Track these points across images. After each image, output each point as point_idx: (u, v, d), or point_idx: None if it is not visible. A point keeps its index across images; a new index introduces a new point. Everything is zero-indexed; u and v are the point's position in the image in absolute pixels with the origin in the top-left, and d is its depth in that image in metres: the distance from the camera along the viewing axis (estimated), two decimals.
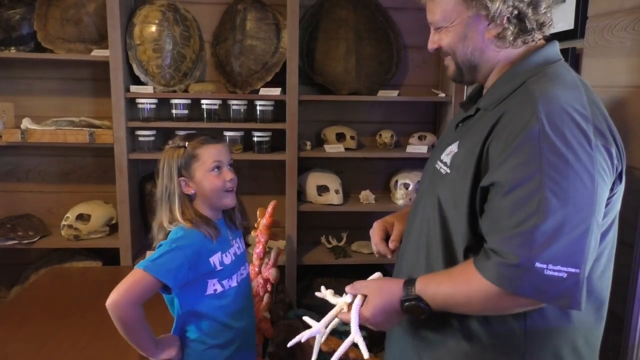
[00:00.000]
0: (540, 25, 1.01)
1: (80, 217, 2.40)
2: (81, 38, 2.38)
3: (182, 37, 2.39)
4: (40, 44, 2.36)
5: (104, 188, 2.58)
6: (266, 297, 1.84)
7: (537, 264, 0.85)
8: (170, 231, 1.38)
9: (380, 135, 2.55)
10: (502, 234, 0.89)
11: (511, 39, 0.99)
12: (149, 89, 2.34)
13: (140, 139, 2.38)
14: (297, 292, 2.51)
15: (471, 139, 1.01)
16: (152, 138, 2.39)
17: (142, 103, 2.34)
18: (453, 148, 1.07)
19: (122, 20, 2.28)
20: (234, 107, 2.38)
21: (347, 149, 2.46)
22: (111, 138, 2.30)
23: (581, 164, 0.86)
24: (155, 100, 2.36)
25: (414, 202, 1.22)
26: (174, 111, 2.37)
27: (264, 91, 2.36)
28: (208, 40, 2.53)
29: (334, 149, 2.43)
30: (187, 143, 1.43)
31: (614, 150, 0.91)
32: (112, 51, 2.25)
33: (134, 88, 2.33)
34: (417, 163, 2.64)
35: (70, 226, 2.37)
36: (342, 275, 2.58)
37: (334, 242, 2.63)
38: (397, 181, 2.54)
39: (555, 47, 1.04)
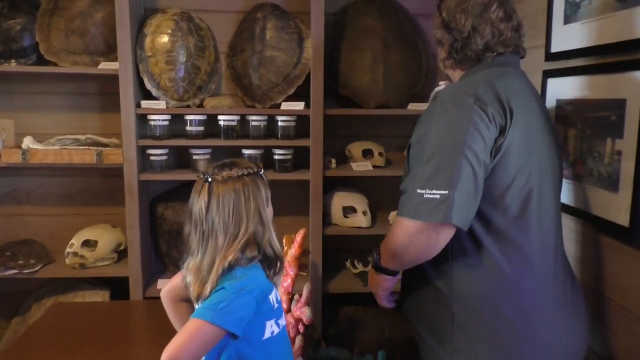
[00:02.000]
0: (474, 58, 1.31)
1: (86, 243, 2.21)
2: (87, 50, 2.21)
3: (196, 48, 2.22)
4: (43, 56, 2.18)
5: (112, 210, 2.39)
6: (298, 340, 1.65)
7: (418, 190, 1.14)
8: (225, 270, 1.23)
9: None
10: (407, 177, 1.25)
11: (449, 62, 1.37)
12: (161, 104, 2.16)
13: (152, 158, 2.19)
14: (322, 322, 2.31)
15: (422, 120, 1.33)
16: (164, 157, 2.21)
17: (153, 119, 2.16)
18: None
19: (132, 30, 2.10)
20: (253, 122, 2.20)
21: (375, 167, 2.27)
22: (120, 157, 2.12)
23: (451, 115, 1.17)
24: (167, 117, 2.18)
25: None
26: (188, 128, 2.19)
27: (285, 105, 2.18)
28: (224, 51, 2.35)
29: (361, 167, 2.24)
30: (262, 170, 1.36)
31: (491, 111, 1.16)
32: (122, 64, 2.08)
33: (145, 103, 2.15)
34: None
35: (75, 253, 2.18)
36: (370, 303, 2.37)
37: (361, 267, 2.43)
38: None
39: (497, 59, 1.31)
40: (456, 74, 1.37)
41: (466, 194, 1.13)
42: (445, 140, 1.15)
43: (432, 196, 1.12)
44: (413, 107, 2.24)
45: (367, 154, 2.33)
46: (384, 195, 2.48)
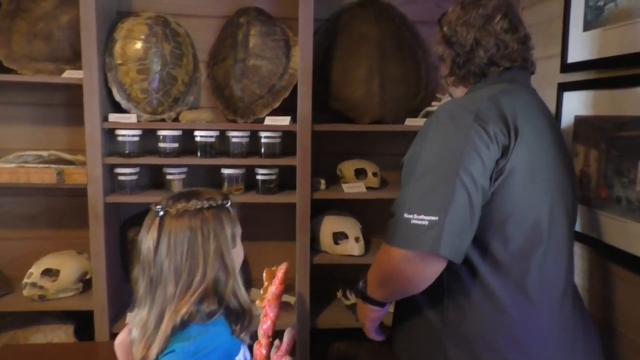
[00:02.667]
0: (478, 73, 1.21)
1: (47, 273, 1.98)
2: (52, 56, 1.99)
3: (172, 55, 2.00)
4: (2, 63, 1.96)
5: (79, 234, 2.14)
6: None
7: (405, 215, 1.02)
8: (177, 328, 1.01)
9: None
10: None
11: (452, 79, 1.27)
12: (131, 118, 1.94)
13: (121, 177, 1.96)
14: None
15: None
16: (134, 177, 1.98)
17: (123, 135, 1.93)
18: None
19: (99, 35, 1.89)
20: (234, 139, 1.97)
21: (368, 188, 2.05)
22: (84, 177, 1.89)
23: (447, 133, 1.06)
24: (139, 132, 1.96)
25: None
26: (161, 144, 1.96)
27: (270, 120, 1.96)
28: (203, 60, 2.14)
29: (353, 188, 2.02)
30: (229, 202, 1.15)
31: (493, 129, 1.04)
32: (87, 72, 1.86)
33: (113, 117, 1.93)
34: None
35: (34, 284, 1.94)
36: (364, 338, 2.14)
37: (353, 299, 2.20)
38: None
39: (504, 75, 1.20)
40: (458, 91, 1.28)
41: (459, 221, 1.00)
42: (439, 160, 1.04)
43: (420, 222, 1.00)
44: (411, 122, 2.02)
45: (360, 173, 2.11)
46: (378, 219, 2.25)
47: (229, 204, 1.14)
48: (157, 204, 1.10)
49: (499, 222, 1.07)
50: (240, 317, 1.09)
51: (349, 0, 2.15)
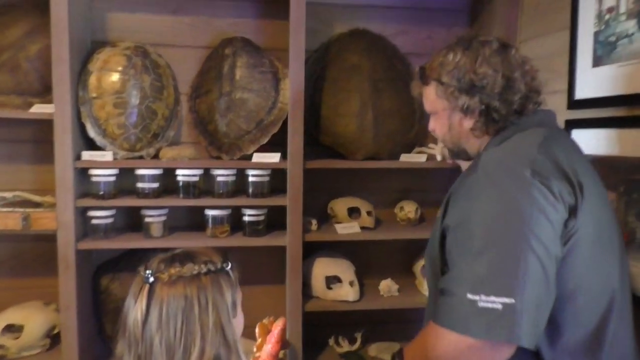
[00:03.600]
0: (519, 111, 1.07)
1: (9, 329, 1.78)
2: (18, 89, 1.83)
3: (153, 88, 1.87)
4: None
5: (46, 282, 1.94)
6: None
7: (469, 296, 0.86)
8: None
9: (402, 208, 2.04)
10: (447, 272, 0.95)
11: (483, 129, 1.10)
12: (107, 156, 1.79)
13: (94, 221, 1.79)
14: None
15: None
16: (110, 220, 1.81)
17: (97, 175, 1.77)
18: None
19: (73, 66, 1.74)
20: (219, 177, 1.84)
21: (363, 229, 1.93)
22: (54, 222, 1.72)
23: (505, 192, 0.91)
24: (115, 171, 1.80)
25: None
26: (140, 184, 1.81)
27: (258, 157, 1.83)
28: (185, 93, 2.01)
29: (347, 229, 1.90)
30: (229, 264, 1.01)
31: (557, 186, 0.91)
32: (58, 106, 1.70)
33: (86, 154, 1.77)
34: None
35: None
36: None
37: (346, 346, 2.06)
38: (424, 266, 2.02)
39: (533, 117, 1.08)
40: (478, 142, 1.14)
41: (536, 300, 0.86)
42: (502, 227, 0.89)
43: (490, 305, 0.85)
44: (407, 158, 1.92)
45: (353, 212, 1.99)
46: (372, 261, 2.14)
47: (229, 267, 1.00)
48: (146, 268, 0.95)
49: (568, 293, 0.92)
50: None
51: (339, 30, 2.06)
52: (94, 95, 1.81)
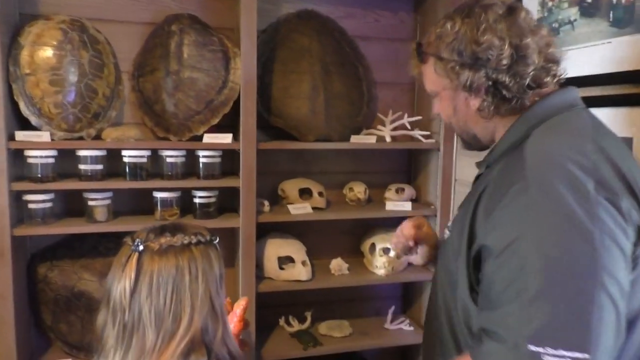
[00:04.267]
0: (534, 86, 0.91)
1: None
2: None
3: (92, 65, 1.76)
4: None
5: None
6: None
7: (531, 347, 0.70)
8: None
9: (352, 189, 2.08)
10: (491, 309, 0.79)
11: (492, 108, 0.94)
12: (44, 136, 1.67)
13: (32, 205, 1.68)
14: None
15: (469, 200, 0.95)
16: (49, 204, 1.70)
17: (33, 156, 1.66)
18: (457, 210, 1.04)
19: (2, 39, 1.60)
20: (168, 159, 1.77)
21: (315, 209, 1.95)
22: None
23: (566, 214, 0.74)
24: (53, 152, 1.69)
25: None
26: (82, 166, 1.71)
27: (209, 138, 1.79)
28: (126, 71, 1.91)
29: (299, 209, 1.91)
30: (217, 238, 1.02)
31: (625, 204, 0.76)
32: None
33: (20, 135, 1.64)
34: (393, 222, 2.19)
35: None
36: None
37: (297, 325, 2.08)
38: (373, 244, 2.08)
39: (568, 94, 0.93)
40: (491, 126, 0.97)
41: (612, 350, 0.72)
42: (566, 261, 0.72)
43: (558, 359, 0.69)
44: (357, 139, 1.96)
45: (304, 193, 2.00)
46: (322, 240, 2.17)
47: (217, 241, 0.99)
48: (133, 238, 0.93)
49: (628, 325, 0.77)
50: None
51: (286, 11, 2.05)
52: (27, 71, 1.68)
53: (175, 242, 0.93)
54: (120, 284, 0.91)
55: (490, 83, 0.90)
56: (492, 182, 0.87)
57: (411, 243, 1.28)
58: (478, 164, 1.05)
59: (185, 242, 0.94)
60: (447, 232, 1.03)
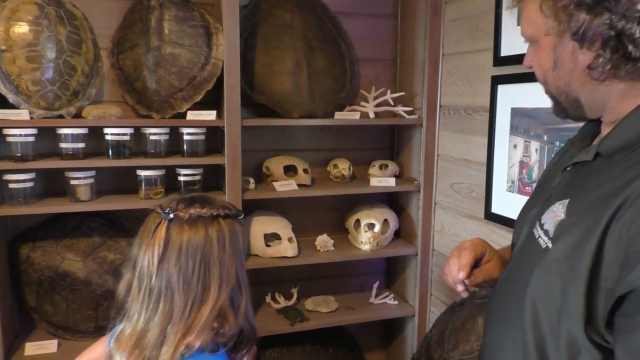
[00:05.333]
0: None
1: None
2: None
3: (70, 41, 1.72)
4: None
5: None
6: None
7: None
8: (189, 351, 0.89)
9: (336, 166, 2.09)
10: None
11: (608, 68, 0.70)
12: (22, 114, 1.63)
13: (12, 185, 1.64)
14: None
15: (589, 205, 0.71)
16: (30, 184, 1.67)
17: (12, 135, 1.62)
18: (559, 211, 0.76)
19: None
20: (152, 137, 1.75)
21: (300, 186, 1.95)
22: None
23: None
24: (33, 131, 1.65)
25: (504, 273, 0.91)
26: (63, 144, 1.68)
27: (192, 115, 1.77)
28: (106, 47, 1.87)
29: (285, 186, 1.91)
30: (242, 214, 1.04)
31: None
32: None
33: None
34: (376, 197, 2.22)
35: None
36: (296, 342, 2.06)
37: (283, 302, 2.10)
38: (357, 220, 2.10)
39: None
40: (604, 92, 0.75)
41: None
42: None
43: None
44: (341, 116, 1.96)
45: (289, 170, 2.00)
46: (307, 217, 2.18)
47: (242, 217, 1.03)
48: (162, 207, 0.94)
49: None
50: (242, 344, 0.96)
51: None
52: (3, 47, 1.63)
53: (205, 213, 0.95)
54: (149, 250, 0.92)
55: (612, 33, 0.68)
56: (638, 195, 0.64)
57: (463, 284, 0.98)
58: (573, 143, 0.86)
59: (214, 213, 0.96)
60: (544, 239, 0.77)
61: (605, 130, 0.79)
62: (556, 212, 0.77)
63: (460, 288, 0.96)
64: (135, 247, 0.96)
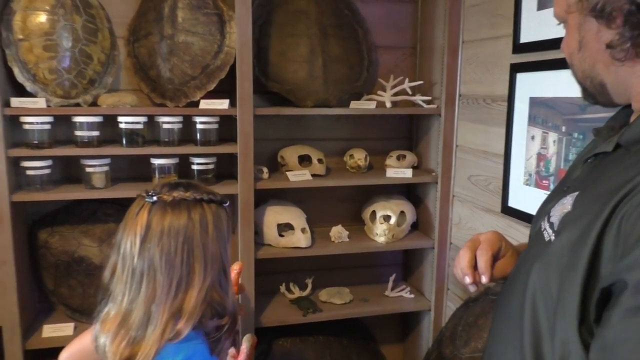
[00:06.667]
0: None
1: None
2: None
3: (85, 30, 1.74)
4: None
5: None
6: None
7: None
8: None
9: (352, 156, 2.05)
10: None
11: (628, 46, 0.66)
12: (39, 102, 1.66)
13: (30, 172, 1.68)
14: None
15: (595, 198, 0.66)
16: (47, 170, 1.71)
17: (30, 122, 1.65)
18: (568, 203, 0.72)
19: None
20: (165, 125, 1.76)
21: (314, 176, 1.93)
22: None
23: None
24: (49, 119, 1.68)
25: (513, 270, 0.85)
26: (78, 132, 1.70)
27: (205, 104, 1.77)
28: (122, 36, 1.89)
29: (299, 176, 1.89)
30: (227, 202, 1.05)
31: None
32: None
33: (16, 101, 1.63)
34: (394, 188, 2.18)
35: None
36: (310, 332, 2.05)
37: (297, 292, 2.09)
38: (374, 212, 2.06)
39: None
40: (626, 73, 0.69)
41: None
42: None
43: None
44: (357, 105, 1.92)
45: (303, 160, 1.98)
46: (322, 208, 2.16)
47: (227, 204, 1.02)
48: (147, 191, 0.96)
49: None
50: (229, 327, 0.97)
51: None
52: (20, 37, 1.66)
53: (188, 197, 0.95)
54: (132, 232, 0.93)
55: (633, 8, 0.64)
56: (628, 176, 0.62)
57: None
58: (599, 133, 0.81)
59: (198, 197, 0.96)
60: (548, 231, 0.73)
61: (633, 118, 0.73)
62: (565, 205, 0.73)
63: (468, 280, 0.91)
64: (120, 230, 0.97)
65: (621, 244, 0.59)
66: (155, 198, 0.95)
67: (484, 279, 0.89)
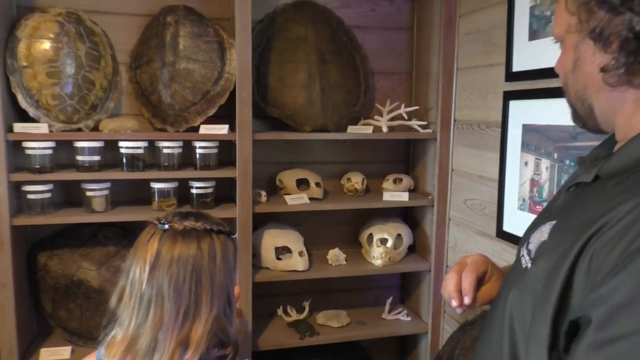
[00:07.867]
0: None
1: None
2: None
3: (88, 57, 1.77)
4: None
5: None
6: None
7: None
8: None
9: (350, 179, 2.08)
10: None
11: (621, 72, 0.66)
12: (42, 128, 1.69)
13: (31, 196, 1.70)
14: None
15: (570, 229, 0.68)
16: (48, 194, 1.73)
17: (32, 147, 1.68)
18: (545, 231, 0.74)
19: None
20: (165, 150, 1.79)
21: (312, 199, 1.95)
22: None
23: None
24: (51, 143, 1.71)
25: (497, 293, 0.87)
26: (79, 157, 1.73)
27: (205, 129, 1.80)
28: (125, 62, 1.93)
29: (296, 200, 1.91)
30: (235, 234, 1.14)
31: None
32: None
33: (19, 127, 1.66)
34: (391, 211, 2.20)
35: None
36: (307, 356, 2.05)
37: (294, 315, 2.10)
38: (371, 235, 2.08)
39: None
40: (615, 100, 0.70)
41: None
42: None
43: None
44: (354, 130, 1.96)
45: (301, 183, 2.01)
46: (319, 231, 2.18)
47: (235, 236, 1.06)
48: (158, 219, 0.99)
49: None
50: (233, 357, 0.99)
51: (283, 1, 2.04)
52: (24, 64, 1.70)
53: (199, 227, 0.98)
54: (142, 258, 0.95)
55: (630, 35, 0.64)
56: (616, 223, 0.61)
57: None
58: (583, 162, 0.81)
59: (208, 227, 0.98)
60: (525, 258, 0.75)
61: (616, 149, 0.74)
62: (542, 233, 0.75)
63: (454, 304, 0.94)
64: (130, 256, 0.99)
65: (591, 278, 0.61)
66: (167, 226, 0.97)
67: (466, 300, 0.91)
